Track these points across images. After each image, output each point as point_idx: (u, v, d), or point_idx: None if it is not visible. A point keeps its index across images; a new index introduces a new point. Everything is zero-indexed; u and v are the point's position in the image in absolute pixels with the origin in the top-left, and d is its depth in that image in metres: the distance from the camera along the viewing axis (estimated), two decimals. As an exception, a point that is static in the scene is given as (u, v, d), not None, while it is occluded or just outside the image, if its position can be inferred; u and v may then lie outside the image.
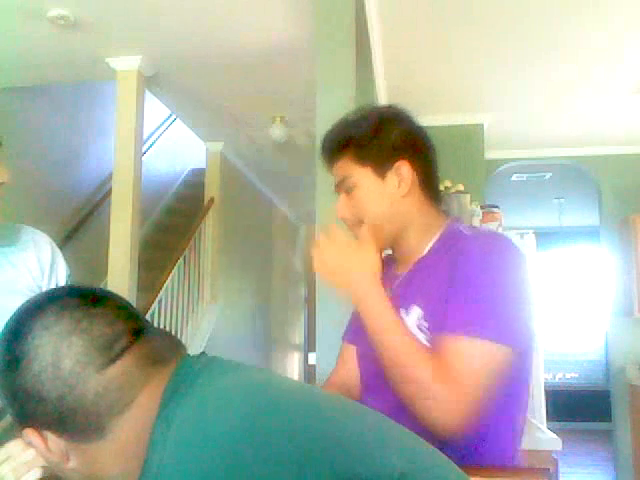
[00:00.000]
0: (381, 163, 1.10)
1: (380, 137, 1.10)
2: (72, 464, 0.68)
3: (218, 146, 5.48)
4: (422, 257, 1.11)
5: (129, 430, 0.65)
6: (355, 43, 2.51)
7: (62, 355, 0.64)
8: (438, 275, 1.04)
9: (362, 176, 1.11)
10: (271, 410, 0.61)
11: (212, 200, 5.42)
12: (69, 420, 0.65)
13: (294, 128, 4.74)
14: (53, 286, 1.23)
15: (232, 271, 5.90)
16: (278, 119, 4.69)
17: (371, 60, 3.32)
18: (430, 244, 1.11)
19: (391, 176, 1.10)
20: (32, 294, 1.10)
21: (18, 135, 4.18)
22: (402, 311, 1.08)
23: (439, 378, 0.94)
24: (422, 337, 1.03)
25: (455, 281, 1.00)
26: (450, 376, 0.94)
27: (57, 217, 4.65)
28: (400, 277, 1.14)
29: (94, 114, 5.13)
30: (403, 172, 1.10)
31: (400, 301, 1.09)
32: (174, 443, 0.59)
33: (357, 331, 1.18)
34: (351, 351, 1.23)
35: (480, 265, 1.00)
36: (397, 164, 1.10)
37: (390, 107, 1.18)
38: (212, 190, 5.49)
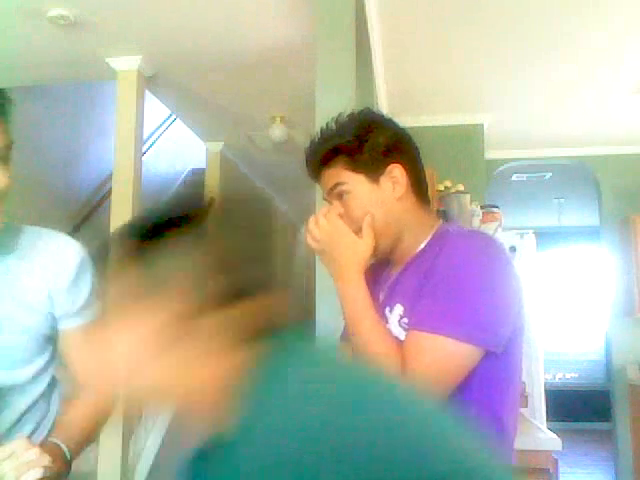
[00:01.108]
0: (374, 168, 1.10)
1: (370, 142, 1.10)
2: (161, 363, 0.64)
3: (218, 146, 5.48)
4: (413, 257, 1.12)
5: (227, 366, 0.64)
6: (355, 43, 2.51)
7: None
8: (419, 273, 1.05)
9: (356, 183, 1.10)
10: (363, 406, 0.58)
11: (212, 200, 5.41)
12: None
13: (294, 128, 4.74)
14: (67, 306, 1.14)
15: (232, 271, 5.89)
16: (278, 119, 4.69)
17: (371, 60, 3.32)
18: (422, 245, 1.12)
19: (385, 180, 1.10)
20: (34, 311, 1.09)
21: (18, 135, 4.18)
22: (387, 309, 1.09)
23: (397, 371, 0.96)
24: (403, 334, 1.03)
25: (429, 278, 1.02)
26: (407, 371, 0.96)
27: (57, 217, 4.65)
28: (392, 278, 1.16)
29: (94, 114, 5.13)
30: (397, 174, 1.10)
31: (387, 300, 1.11)
32: (285, 401, 0.58)
33: None
34: (348, 350, 1.23)
35: (454, 263, 1.01)
36: (389, 167, 1.10)
37: (367, 112, 1.18)
38: (212, 190, 5.48)
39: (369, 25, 3.07)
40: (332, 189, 1.13)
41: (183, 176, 6.82)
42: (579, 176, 5.65)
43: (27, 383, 1.11)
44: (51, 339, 1.15)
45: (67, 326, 1.15)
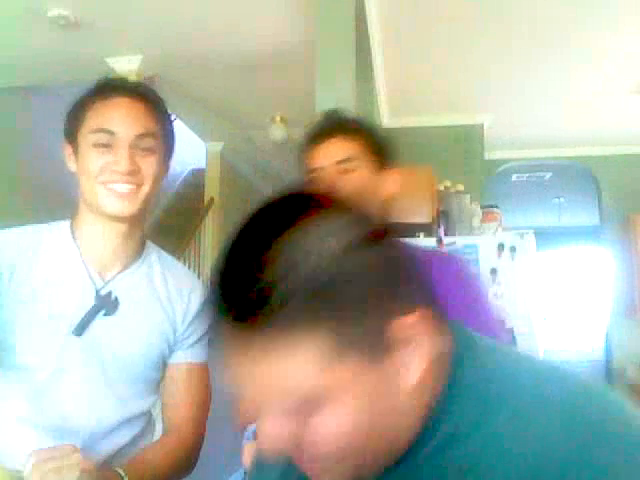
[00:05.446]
0: (384, 160, 1.16)
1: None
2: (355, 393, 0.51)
3: (218, 146, 5.48)
4: None
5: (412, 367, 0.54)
6: (355, 44, 2.51)
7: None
8: None
9: (366, 165, 1.14)
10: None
11: (212, 200, 5.42)
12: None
13: (294, 128, 4.74)
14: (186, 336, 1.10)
15: (232, 271, 5.90)
16: (278, 119, 4.69)
17: (371, 60, 3.32)
18: None
19: (385, 176, 1.16)
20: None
21: (18, 135, 4.17)
22: None
23: None
24: None
25: None
26: None
27: (57, 218, 4.65)
28: None
29: (94, 114, 5.12)
30: (396, 180, 1.17)
31: None
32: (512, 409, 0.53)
33: None
34: None
35: None
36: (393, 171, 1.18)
37: None
38: (212, 190, 5.49)
39: (369, 25, 3.07)
40: (343, 161, 1.14)
41: (183, 176, 6.83)
42: (579, 176, 5.65)
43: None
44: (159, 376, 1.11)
45: (178, 360, 1.10)
